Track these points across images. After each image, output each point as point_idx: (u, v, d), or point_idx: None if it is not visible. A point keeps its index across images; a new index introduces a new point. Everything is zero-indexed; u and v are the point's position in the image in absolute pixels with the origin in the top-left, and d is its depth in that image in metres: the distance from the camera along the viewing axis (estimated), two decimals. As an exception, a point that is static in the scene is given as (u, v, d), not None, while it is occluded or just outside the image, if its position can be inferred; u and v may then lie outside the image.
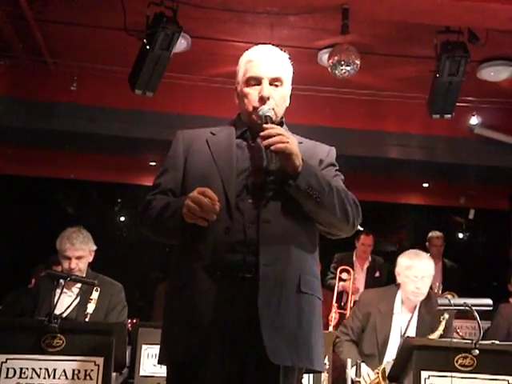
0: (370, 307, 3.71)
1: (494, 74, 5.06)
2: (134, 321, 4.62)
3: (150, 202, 2.08)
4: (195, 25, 4.69)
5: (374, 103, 5.63)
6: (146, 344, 4.03)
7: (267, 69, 2.10)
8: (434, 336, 3.41)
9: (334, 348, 3.64)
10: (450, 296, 5.04)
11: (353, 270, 5.97)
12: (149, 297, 5.56)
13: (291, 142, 1.93)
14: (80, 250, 3.56)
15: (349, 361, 3.49)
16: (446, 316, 3.42)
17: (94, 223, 8.46)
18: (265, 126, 1.98)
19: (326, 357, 3.47)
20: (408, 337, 3.41)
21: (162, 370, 3.99)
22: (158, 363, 2.06)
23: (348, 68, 4.49)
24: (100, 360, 2.84)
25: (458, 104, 5.02)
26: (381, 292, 3.90)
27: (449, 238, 6.46)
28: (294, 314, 1.93)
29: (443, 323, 3.42)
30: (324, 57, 4.84)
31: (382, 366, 3.48)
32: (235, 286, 1.91)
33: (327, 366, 3.61)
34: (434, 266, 6.38)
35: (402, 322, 3.67)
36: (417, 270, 3.62)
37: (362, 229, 9.82)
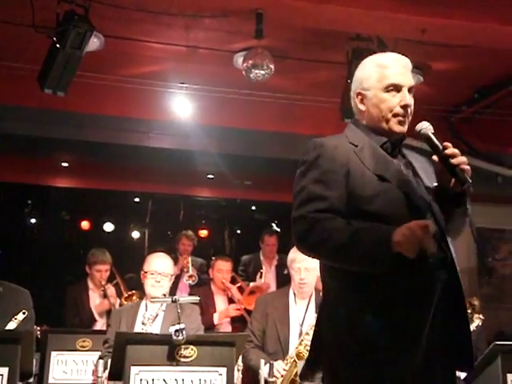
0: (266, 307, 3.84)
1: (402, 81, 5.25)
2: (44, 327, 4.47)
3: (319, 221, 1.91)
4: (109, 24, 4.59)
5: (288, 106, 5.72)
6: (56, 350, 3.92)
7: (407, 77, 2.09)
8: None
9: (242, 359, 3.68)
10: None
11: (262, 269, 6.11)
12: (60, 300, 5.40)
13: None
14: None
15: (262, 361, 3.54)
16: None
17: (2, 225, 8.16)
18: (447, 144, 1.95)
19: (240, 357, 3.52)
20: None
21: (71, 377, 3.92)
22: None
23: (262, 72, 4.55)
24: (4, 370, 2.76)
25: (368, 109, 5.18)
26: (275, 293, 4.19)
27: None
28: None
29: None
30: (239, 60, 4.86)
31: (293, 353, 3.58)
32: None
33: (240, 366, 3.66)
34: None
35: (299, 313, 3.80)
36: (299, 262, 3.78)
37: (278, 229, 10.01)
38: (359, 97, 2.16)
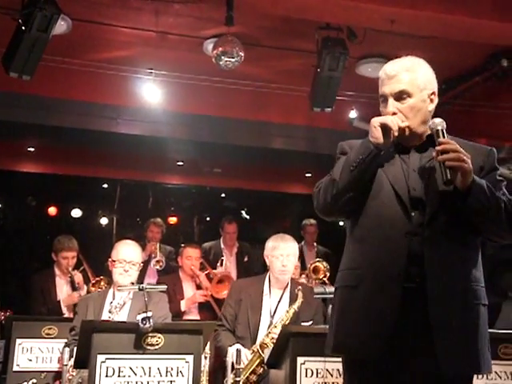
0: (241, 294, 3.88)
1: (371, 70, 5.27)
2: (8, 313, 4.42)
3: (318, 187, 2.23)
4: (76, 7, 4.51)
5: (259, 94, 5.70)
6: (21, 338, 3.89)
7: (391, 85, 2.15)
8: (295, 306, 3.68)
9: (212, 340, 3.72)
10: (319, 264, 5.28)
11: (222, 256, 6.13)
12: (26, 288, 5.33)
13: (467, 159, 1.98)
14: None
15: (229, 349, 3.56)
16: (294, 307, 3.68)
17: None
18: (440, 140, 2.03)
19: (208, 344, 3.54)
20: (285, 324, 3.53)
21: (37, 365, 3.89)
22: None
23: (232, 59, 4.52)
24: (-34, 358, 2.72)
25: (337, 98, 5.21)
26: (251, 279, 4.16)
27: (323, 225, 6.68)
28: (465, 323, 2.04)
29: (300, 295, 3.68)
30: (209, 46, 4.83)
31: (257, 344, 3.62)
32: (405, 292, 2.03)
33: (208, 354, 3.68)
34: (309, 253, 6.63)
35: (272, 303, 3.85)
36: (282, 249, 3.87)
37: (248, 217, 10.04)
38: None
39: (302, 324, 3.70)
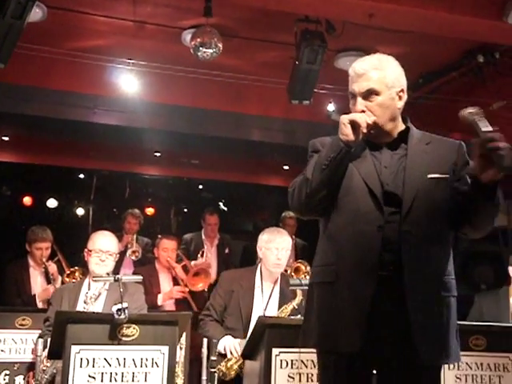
0: (232, 285, 3.83)
1: (349, 63, 5.20)
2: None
3: (293, 185, 2.23)
4: (52, -6, 4.46)
5: (237, 86, 5.69)
6: (-7, 330, 3.85)
7: (360, 83, 2.18)
8: (291, 306, 3.66)
9: (198, 330, 3.72)
10: (300, 265, 5.30)
11: (203, 248, 6.15)
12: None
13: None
14: None
15: (220, 341, 3.57)
16: (294, 304, 3.67)
17: None
18: (488, 129, 1.96)
19: (184, 335, 3.54)
20: (261, 316, 3.54)
21: (10, 356, 3.86)
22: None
23: (210, 50, 4.51)
24: None
25: (316, 91, 5.22)
26: (242, 270, 4.12)
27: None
28: (438, 314, 2.10)
29: (299, 294, 3.66)
30: (187, 37, 4.80)
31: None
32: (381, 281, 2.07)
33: (183, 345, 3.68)
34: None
35: (264, 296, 3.83)
36: (278, 243, 3.85)
37: (225, 208, 10.04)
38: None
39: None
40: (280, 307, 3.75)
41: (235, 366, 3.57)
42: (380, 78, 2.17)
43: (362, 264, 2.08)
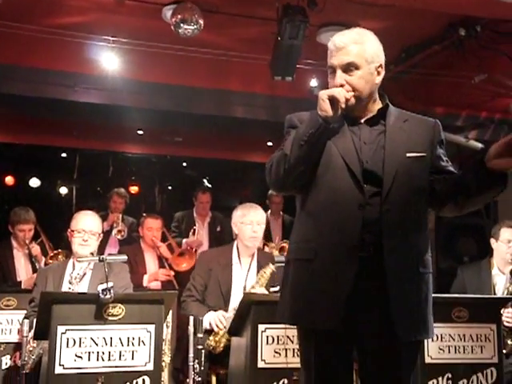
0: (210, 263, 3.88)
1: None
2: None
3: (271, 160, 2.22)
4: (29, -30, 4.37)
5: (219, 62, 5.63)
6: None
7: (340, 57, 2.17)
8: (272, 266, 3.73)
9: (181, 311, 3.75)
10: (286, 245, 5.34)
11: (195, 226, 6.17)
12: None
13: None
14: None
15: (205, 317, 3.60)
16: (272, 267, 3.71)
17: None
18: None
19: (170, 313, 3.55)
20: (246, 293, 3.57)
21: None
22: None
23: (191, 27, 4.45)
24: None
25: (298, 66, 5.19)
26: (218, 249, 4.20)
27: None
28: (417, 291, 2.13)
29: (267, 272, 3.71)
30: (168, 13, 4.73)
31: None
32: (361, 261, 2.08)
33: (170, 323, 3.70)
34: (275, 222, 6.67)
35: (243, 271, 3.89)
36: (252, 216, 3.91)
37: (209, 185, 10.03)
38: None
39: (272, 289, 3.76)
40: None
41: (223, 339, 3.62)
42: (360, 52, 2.18)
43: (342, 244, 2.09)
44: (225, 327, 3.60)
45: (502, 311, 3.76)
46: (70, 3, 4.92)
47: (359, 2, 4.48)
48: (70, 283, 3.63)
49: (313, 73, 5.97)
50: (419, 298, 2.14)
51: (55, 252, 4.95)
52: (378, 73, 2.22)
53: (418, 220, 2.18)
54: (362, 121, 2.24)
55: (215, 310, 3.69)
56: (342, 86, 2.15)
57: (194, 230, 6.12)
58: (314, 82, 6.15)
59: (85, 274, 3.72)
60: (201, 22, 4.48)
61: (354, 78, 2.17)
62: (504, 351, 3.64)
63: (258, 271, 3.85)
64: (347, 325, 2.08)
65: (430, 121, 2.30)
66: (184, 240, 6.06)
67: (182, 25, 4.48)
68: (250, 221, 3.88)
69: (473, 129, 7.04)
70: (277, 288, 3.73)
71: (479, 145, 7.07)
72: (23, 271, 4.90)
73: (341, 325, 2.07)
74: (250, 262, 3.92)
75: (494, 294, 4.25)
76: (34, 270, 4.76)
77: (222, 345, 3.63)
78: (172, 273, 5.31)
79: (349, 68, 2.17)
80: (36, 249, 4.96)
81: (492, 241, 4.41)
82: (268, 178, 2.24)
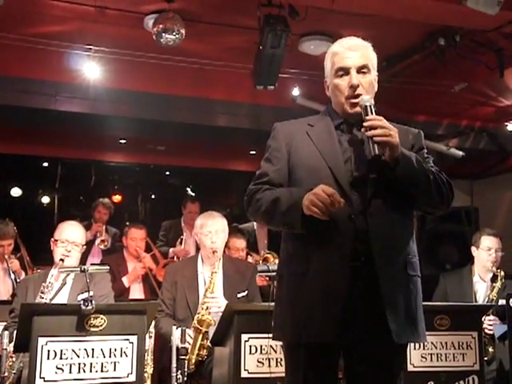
0: (175, 276, 3.90)
1: (313, 47, 5.28)
2: None
3: (255, 193, 2.21)
4: (9, -21, 4.34)
5: (201, 71, 5.63)
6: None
7: (353, 59, 2.19)
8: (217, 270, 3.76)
9: (154, 328, 3.72)
10: (270, 256, 5.34)
11: (182, 235, 6.16)
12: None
13: (393, 133, 2.03)
14: None
15: (173, 327, 3.57)
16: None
17: None
18: (367, 117, 2.06)
19: (152, 324, 3.53)
20: (229, 303, 3.56)
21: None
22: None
23: (173, 37, 4.45)
24: None
25: (281, 75, 5.21)
26: (184, 260, 4.28)
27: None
28: (408, 294, 2.14)
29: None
30: (150, 22, 4.73)
31: (195, 320, 3.64)
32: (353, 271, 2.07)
33: (152, 333, 3.68)
34: (261, 231, 6.65)
35: (207, 280, 3.85)
36: (210, 226, 3.91)
37: (193, 194, 10.01)
38: (325, 85, 2.33)
39: (238, 295, 3.81)
40: (225, 291, 3.80)
41: (193, 356, 3.59)
42: (370, 57, 2.25)
43: (334, 255, 2.09)
44: (189, 343, 3.58)
45: (483, 319, 3.79)
46: (51, 12, 4.90)
47: (340, 11, 4.51)
48: (42, 293, 3.56)
49: (295, 81, 6.00)
50: (410, 300, 2.15)
51: (34, 271, 4.91)
52: (376, 81, 2.27)
53: (404, 222, 2.20)
54: (350, 124, 2.24)
55: (184, 324, 3.65)
56: (358, 86, 2.16)
57: (182, 239, 6.10)
58: (296, 91, 6.18)
59: (65, 284, 3.68)
60: (182, 31, 4.48)
61: (367, 80, 2.20)
62: (485, 358, 3.67)
63: (224, 279, 3.87)
64: (341, 336, 2.07)
65: (413, 130, 2.34)
66: (171, 249, 6.04)
67: (163, 34, 4.48)
68: (208, 231, 3.89)
69: (453, 137, 7.11)
70: (244, 293, 3.75)
71: (460, 153, 7.14)
72: (2, 286, 4.82)
73: (337, 337, 2.06)
74: (215, 271, 3.88)
75: (475, 301, 4.29)
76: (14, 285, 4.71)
77: (193, 361, 3.59)
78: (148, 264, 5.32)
79: (361, 70, 2.19)
80: (15, 264, 4.89)
81: (473, 249, 4.45)
82: (250, 213, 2.26)
